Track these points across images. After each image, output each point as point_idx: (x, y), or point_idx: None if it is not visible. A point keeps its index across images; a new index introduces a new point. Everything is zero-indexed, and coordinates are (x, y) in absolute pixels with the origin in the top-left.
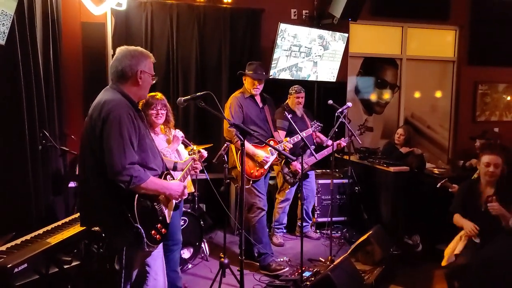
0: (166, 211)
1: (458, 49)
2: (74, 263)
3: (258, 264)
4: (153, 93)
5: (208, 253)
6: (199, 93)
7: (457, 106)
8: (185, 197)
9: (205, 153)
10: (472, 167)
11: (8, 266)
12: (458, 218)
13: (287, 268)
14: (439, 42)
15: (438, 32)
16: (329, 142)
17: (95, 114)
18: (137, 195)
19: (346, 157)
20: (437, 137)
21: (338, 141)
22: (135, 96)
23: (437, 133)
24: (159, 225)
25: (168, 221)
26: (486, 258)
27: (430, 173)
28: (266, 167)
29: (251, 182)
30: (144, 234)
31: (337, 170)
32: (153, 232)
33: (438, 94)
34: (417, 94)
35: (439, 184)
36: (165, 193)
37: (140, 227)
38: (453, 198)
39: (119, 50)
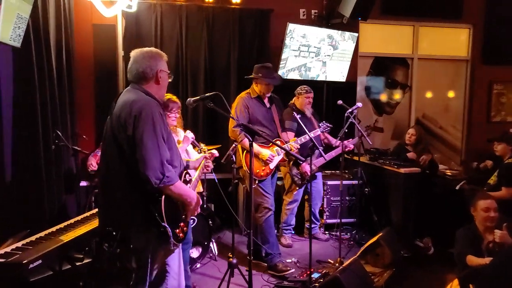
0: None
1: (472, 48)
2: (85, 261)
3: (266, 264)
4: (168, 95)
5: (216, 252)
6: (208, 94)
7: (471, 106)
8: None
9: (216, 153)
10: (486, 169)
11: (24, 262)
12: (473, 259)
13: (293, 270)
14: (452, 41)
15: (451, 31)
16: (338, 143)
17: (123, 113)
18: (164, 195)
19: (356, 158)
20: (450, 138)
21: (346, 142)
22: (157, 95)
23: (450, 134)
24: (182, 224)
25: (188, 220)
26: (500, 261)
27: (443, 175)
28: (271, 166)
29: (256, 182)
30: (171, 233)
31: (346, 171)
32: (177, 231)
33: (451, 94)
34: (429, 94)
35: (457, 186)
36: (186, 200)
37: (167, 226)
38: (455, 245)
39: (134, 53)
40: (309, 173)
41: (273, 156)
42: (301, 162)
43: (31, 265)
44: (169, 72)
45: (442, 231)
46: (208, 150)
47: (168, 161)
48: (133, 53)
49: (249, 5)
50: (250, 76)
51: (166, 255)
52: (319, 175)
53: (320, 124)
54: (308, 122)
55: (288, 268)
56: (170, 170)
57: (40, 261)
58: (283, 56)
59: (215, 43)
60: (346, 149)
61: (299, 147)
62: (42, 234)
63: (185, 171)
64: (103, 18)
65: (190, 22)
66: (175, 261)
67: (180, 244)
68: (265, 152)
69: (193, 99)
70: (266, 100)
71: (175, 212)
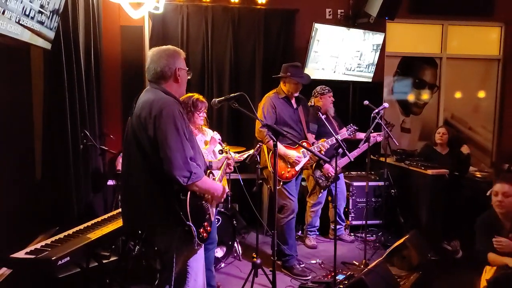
0: (211, 210)
1: (504, 46)
2: (112, 258)
3: (280, 262)
4: (196, 95)
5: (240, 252)
6: (232, 94)
7: (502, 107)
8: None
9: (238, 158)
10: None
11: (53, 258)
12: (494, 258)
13: (310, 277)
14: (482, 39)
15: (482, 29)
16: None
17: (144, 113)
18: (189, 193)
19: (382, 159)
20: (480, 139)
21: (376, 135)
22: (176, 93)
23: (480, 135)
24: (206, 224)
25: (212, 218)
26: None
27: (472, 177)
28: (297, 168)
29: (281, 183)
30: (195, 232)
31: (372, 172)
32: (201, 230)
33: (481, 94)
34: (458, 95)
35: (489, 192)
36: (213, 193)
37: (192, 225)
38: (476, 239)
39: (152, 52)
40: (333, 173)
41: (300, 158)
42: (325, 163)
43: (60, 262)
44: (187, 69)
45: (471, 233)
46: (227, 148)
47: (192, 159)
48: (151, 52)
49: (275, 5)
50: (279, 75)
51: (189, 256)
52: (341, 175)
53: (347, 127)
54: (330, 123)
55: (305, 274)
56: (196, 167)
57: (68, 258)
58: (308, 55)
59: (241, 44)
60: (374, 141)
61: (328, 147)
62: (70, 231)
63: (208, 171)
64: (131, 20)
65: (215, 22)
66: (197, 262)
67: (203, 244)
68: (292, 154)
69: (218, 99)
70: (293, 101)
71: (199, 211)
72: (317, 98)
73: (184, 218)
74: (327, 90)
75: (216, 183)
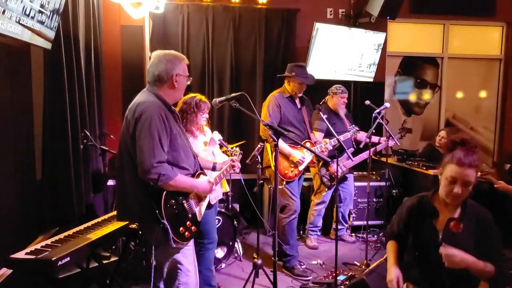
0: (197, 209)
1: (506, 46)
2: (112, 259)
3: (281, 263)
4: (199, 96)
5: (241, 253)
6: (233, 94)
7: (504, 107)
8: (213, 193)
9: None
10: None
11: (53, 259)
12: (389, 249)
13: (311, 277)
14: (484, 39)
15: (483, 29)
16: (367, 140)
17: (129, 115)
18: (164, 192)
19: (383, 159)
20: (481, 139)
21: (378, 139)
22: (171, 98)
23: (481, 135)
24: (188, 223)
25: (199, 218)
26: None
27: None
28: (300, 168)
29: (284, 183)
30: (170, 230)
31: (374, 173)
32: (181, 229)
33: (483, 94)
34: (459, 94)
35: (479, 174)
36: (193, 190)
37: (166, 223)
38: (394, 215)
39: (154, 55)
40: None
41: (303, 158)
42: (329, 163)
43: (60, 262)
44: (188, 75)
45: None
46: (238, 151)
47: (172, 163)
48: (153, 55)
49: (276, 5)
50: (283, 75)
51: (173, 252)
52: (351, 177)
53: (349, 128)
54: (340, 122)
55: (306, 274)
56: (166, 169)
57: (68, 259)
58: (310, 55)
59: (241, 43)
60: (377, 148)
61: (331, 148)
62: (70, 232)
63: (199, 172)
64: (131, 20)
65: (216, 22)
66: (187, 258)
67: (186, 242)
68: (296, 154)
69: (218, 99)
70: (297, 101)
71: (178, 210)
72: (330, 96)
73: (160, 216)
74: (340, 91)
75: (195, 180)
